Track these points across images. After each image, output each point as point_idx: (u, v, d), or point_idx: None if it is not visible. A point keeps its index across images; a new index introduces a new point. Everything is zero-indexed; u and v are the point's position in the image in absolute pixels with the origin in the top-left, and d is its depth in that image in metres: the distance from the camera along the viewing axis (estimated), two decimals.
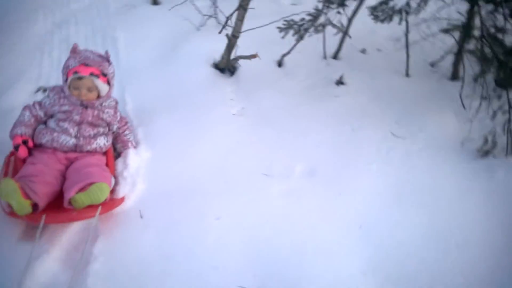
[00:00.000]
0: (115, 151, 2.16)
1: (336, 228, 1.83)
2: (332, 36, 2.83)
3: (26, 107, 2.02)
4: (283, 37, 2.47)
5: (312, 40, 2.64)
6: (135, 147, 2.15)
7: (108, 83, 2.04)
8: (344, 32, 2.80)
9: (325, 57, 2.96)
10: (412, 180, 2.08)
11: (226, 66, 2.75)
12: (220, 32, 2.69)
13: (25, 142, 1.89)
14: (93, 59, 1.98)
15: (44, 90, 2.40)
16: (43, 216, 1.64)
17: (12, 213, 1.63)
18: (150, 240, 1.74)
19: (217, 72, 2.78)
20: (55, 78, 2.62)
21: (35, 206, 1.65)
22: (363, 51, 3.11)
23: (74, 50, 2.00)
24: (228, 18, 2.67)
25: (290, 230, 1.81)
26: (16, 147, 1.88)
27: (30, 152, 1.91)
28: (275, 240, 1.76)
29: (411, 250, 1.76)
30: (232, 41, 2.59)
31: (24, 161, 1.88)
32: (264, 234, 1.79)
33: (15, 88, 2.60)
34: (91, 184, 1.67)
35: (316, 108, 2.51)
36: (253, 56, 2.49)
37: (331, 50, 2.95)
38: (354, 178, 2.09)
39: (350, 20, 2.77)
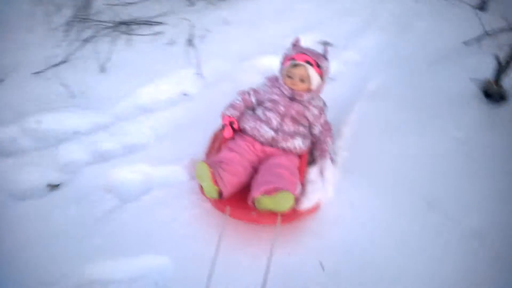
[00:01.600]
0: (311, 157, 2.11)
1: None
2: None
3: (241, 92, 2.15)
4: None
5: None
6: (332, 160, 2.07)
7: (321, 77, 2.02)
8: None
9: None
10: None
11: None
12: None
13: (231, 124, 2.02)
14: (311, 51, 2.03)
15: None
16: (228, 208, 1.74)
17: (203, 192, 1.76)
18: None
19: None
20: None
21: (221, 193, 1.72)
22: None
23: (296, 43, 2.09)
24: None
25: None
26: (223, 127, 2.04)
27: (234, 133, 2.04)
28: None
29: None
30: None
31: (227, 140, 2.03)
32: None
33: None
34: (277, 190, 1.66)
35: None
36: None
37: None
38: None
39: None
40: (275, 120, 1.98)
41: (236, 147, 1.93)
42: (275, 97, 2.03)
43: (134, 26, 3.35)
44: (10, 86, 2.67)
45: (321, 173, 1.97)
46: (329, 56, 2.10)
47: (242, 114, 2.09)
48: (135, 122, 2.49)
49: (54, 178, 2.15)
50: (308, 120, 2.04)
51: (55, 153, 2.28)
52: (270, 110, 2.01)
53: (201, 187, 1.76)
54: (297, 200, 1.80)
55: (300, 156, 2.02)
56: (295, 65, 1.99)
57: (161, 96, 2.76)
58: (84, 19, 3.29)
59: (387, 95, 2.61)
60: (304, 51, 2.01)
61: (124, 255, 1.72)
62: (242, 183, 1.84)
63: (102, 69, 2.87)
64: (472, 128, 2.30)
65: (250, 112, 2.09)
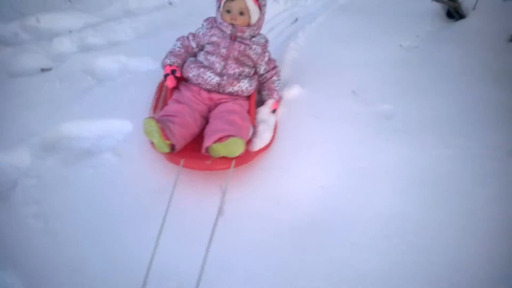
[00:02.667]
0: (259, 95, 2.10)
1: None
2: None
3: (179, 38, 2.06)
4: None
5: None
6: (278, 101, 2.06)
7: (260, 10, 1.96)
8: None
9: None
10: None
11: None
12: None
13: (173, 72, 1.94)
14: None
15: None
16: (182, 160, 1.70)
17: (155, 148, 1.73)
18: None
19: None
20: None
21: (173, 146, 1.71)
22: None
23: None
24: None
25: None
26: (165, 76, 1.95)
27: (178, 82, 1.98)
28: None
29: None
30: None
31: (172, 90, 1.98)
32: None
33: None
34: (229, 136, 1.65)
35: None
36: None
37: None
38: None
39: None
40: (218, 64, 1.92)
41: (183, 98, 1.89)
42: (215, 38, 1.95)
43: None
44: None
45: (271, 111, 2.00)
46: None
47: (183, 61, 2.02)
48: (121, 23, 2.80)
49: (46, 64, 2.51)
50: (252, 59, 1.99)
51: (49, 45, 2.63)
52: (211, 54, 1.95)
53: (152, 143, 1.72)
54: (250, 142, 1.83)
55: (248, 97, 2.00)
56: None
57: (148, 4, 3.03)
58: None
59: (353, 9, 2.78)
60: None
61: (95, 118, 2.09)
62: (193, 134, 1.83)
63: None
64: (422, 39, 2.47)
65: (192, 59, 2.02)
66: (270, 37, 2.54)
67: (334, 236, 1.55)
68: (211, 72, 1.91)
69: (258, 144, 1.84)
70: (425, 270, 1.42)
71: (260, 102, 2.08)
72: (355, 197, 1.68)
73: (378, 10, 2.75)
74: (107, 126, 2.07)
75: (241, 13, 1.92)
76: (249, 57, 1.97)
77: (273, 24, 2.71)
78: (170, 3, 3.06)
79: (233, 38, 1.95)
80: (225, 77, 1.91)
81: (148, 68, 2.42)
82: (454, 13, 2.61)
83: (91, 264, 1.51)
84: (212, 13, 2.06)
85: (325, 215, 1.63)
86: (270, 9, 2.79)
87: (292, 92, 2.14)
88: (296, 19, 2.71)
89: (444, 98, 2.07)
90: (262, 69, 2.04)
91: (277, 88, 2.05)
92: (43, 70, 2.48)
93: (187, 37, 2.05)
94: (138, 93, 2.21)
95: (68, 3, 2.95)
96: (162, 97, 2.04)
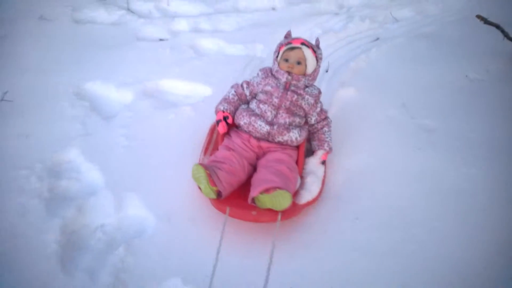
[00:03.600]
0: (308, 143, 2.08)
1: None
2: None
3: (234, 85, 2.10)
4: None
5: None
6: (328, 152, 2.01)
7: (317, 61, 2.01)
8: None
9: None
10: None
11: None
12: None
13: (225, 118, 1.98)
14: (304, 38, 2.03)
15: None
16: (228, 208, 1.69)
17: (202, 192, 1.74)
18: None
19: None
20: None
21: (219, 192, 1.72)
22: None
23: (288, 35, 2.08)
24: None
25: None
26: (218, 122, 1.99)
27: (229, 129, 2.01)
28: None
29: None
30: None
31: (224, 136, 2.00)
32: None
33: None
34: (276, 188, 1.63)
35: None
36: None
37: None
38: None
39: None
40: (269, 113, 1.93)
41: (232, 145, 1.90)
42: (269, 88, 1.97)
43: None
44: None
45: (320, 163, 1.96)
46: None
47: (236, 108, 2.04)
48: (228, 17, 3.43)
49: (164, 36, 3.18)
50: (303, 109, 1.98)
51: (171, 23, 3.32)
52: (264, 102, 1.96)
53: (200, 189, 1.73)
54: (297, 193, 1.80)
55: (298, 147, 1.98)
56: (292, 48, 1.97)
57: (254, 5, 3.58)
58: None
59: (433, 37, 2.96)
60: (299, 37, 2.03)
61: (187, 81, 2.64)
62: (240, 181, 1.82)
63: None
64: (491, 75, 2.56)
65: (244, 106, 2.03)
66: (346, 49, 2.89)
67: None
68: (262, 121, 1.91)
69: (306, 197, 1.80)
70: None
71: (310, 152, 2.05)
72: None
73: (456, 41, 2.87)
74: (193, 88, 2.59)
75: (299, 63, 1.96)
76: (301, 107, 1.97)
77: (354, 39, 3.02)
78: (273, 9, 3.54)
79: (287, 86, 1.96)
80: (275, 126, 1.90)
81: (238, 54, 2.92)
82: None
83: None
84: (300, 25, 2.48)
85: None
86: (355, 27, 3.14)
87: (347, 92, 2.43)
88: (377, 39, 2.98)
89: (491, 127, 2.17)
90: (313, 119, 2.03)
91: (327, 139, 2.02)
92: (161, 40, 3.13)
93: (241, 85, 2.08)
94: (225, 70, 2.71)
95: None
96: (213, 141, 2.08)
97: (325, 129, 2.04)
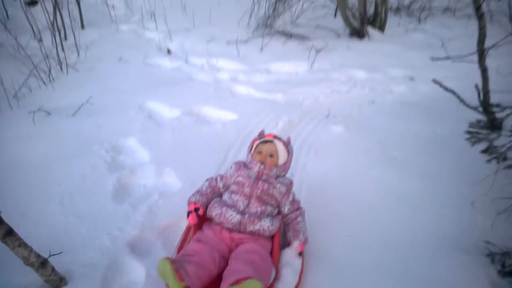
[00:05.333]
0: (285, 238, 2.04)
1: None
2: None
3: (208, 179, 2.17)
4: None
5: None
6: (304, 242, 1.96)
7: (288, 154, 2.13)
8: None
9: None
10: None
11: None
12: None
13: (196, 210, 1.97)
14: (276, 133, 2.19)
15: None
16: None
17: None
18: None
19: None
20: None
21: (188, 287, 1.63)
22: None
23: (261, 133, 2.20)
24: None
25: None
26: (188, 214, 1.97)
27: (202, 221, 2.01)
28: None
29: None
30: None
31: (196, 230, 1.97)
32: None
33: None
34: (246, 278, 1.57)
35: None
36: None
37: None
38: None
39: None
40: (241, 203, 1.96)
41: (204, 237, 1.88)
42: (240, 178, 2.04)
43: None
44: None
45: (297, 254, 1.90)
46: None
47: (209, 200, 2.07)
48: (262, 75, 4.34)
49: (210, 81, 4.15)
50: (275, 198, 2.02)
51: (216, 74, 4.31)
52: (236, 193, 2.00)
53: (167, 286, 1.61)
54: (272, 287, 1.76)
55: (272, 238, 1.96)
56: (265, 142, 2.13)
57: (282, 70, 4.56)
58: (267, 26, 5.40)
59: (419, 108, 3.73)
60: (271, 133, 2.20)
61: (221, 109, 3.48)
62: (211, 275, 1.74)
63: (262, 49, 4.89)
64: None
65: (217, 199, 2.06)
66: (345, 104, 3.70)
67: None
68: (233, 210, 1.93)
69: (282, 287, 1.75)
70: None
71: (286, 245, 2.00)
72: None
73: (436, 108, 3.59)
74: (224, 114, 3.44)
75: (271, 155, 2.10)
76: (272, 196, 2.01)
77: (353, 99, 3.84)
78: (296, 74, 4.50)
79: (259, 176, 2.04)
80: (246, 215, 1.91)
81: (263, 98, 3.80)
82: None
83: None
84: None
85: None
86: (356, 91, 3.99)
87: (338, 129, 3.18)
88: (373, 102, 3.79)
89: (440, 161, 2.81)
90: (286, 209, 2.05)
91: (302, 229, 2.01)
92: (208, 83, 4.11)
93: (216, 178, 2.16)
94: (250, 105, 3.57)
95: (243, 58, 4.71)
96: (188, 239, 1.99)
97: (299, 218, 2.04)
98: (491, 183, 2.29)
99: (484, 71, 2.75)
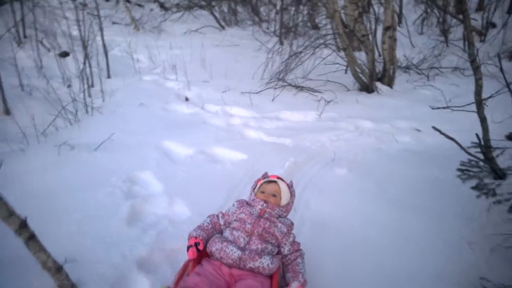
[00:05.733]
0: (283, 280, 2.03)
1: None
2: None
3: (210, 215, 2.21)
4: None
5: None
6: (303, 284, 1.93)
7: (291, 195, 2.22)
8: None
9: None
10: None
11: None
12: None
13: (196, 244, 1.97)
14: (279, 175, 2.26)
15: None
16: None
17: None
18: None
19: None
20: None
21: None
22: None
23: (265, 175, 2.29)
24: None
25: None
26: (188, 248, 1.97)
27: (201, 256, 2.03)
28: None
29: None
30: None
31: (195, 264, 1.98)
32: None
33: None
34: None
35: None
36: None
37: None
38: None
39: None
40: (242, 239, 1.97)
41: (203, 272, 1.88)
42: (243, 215, 2.07)
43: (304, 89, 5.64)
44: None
45: None
46: None
47: (209, 236, 2.08)
48: (271, 122, 4.60)
49: (223, 125, 4.41)
50: (276, 237, 2.03)
51: (229, 120, 4.58)
52: (237, 229, 2.02)
53: None
54: None
55: (271, 277, 1.95)
56: (269, 182, 2.22)
57: (293, 118, 4.82)
58: (280, 79, 5.76)
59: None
60: (275, 174, 2.29)
61: (232, 150, 3.69)
62: None
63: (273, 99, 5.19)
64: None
65: (218, 235, 2.08)
66: (351, 151, 3.87)
67: None
68: (234, 246, 1.93)
69: None
70: None
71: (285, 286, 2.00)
72: None
73: (437, 155, 3.75)
74: (235, 154, 3.63)
75: (274, 195, 2.17)
76: (273, 234, 2.03)
77: (359, 145, 4.02)
78: (305, 121, 4.74)
79: (262, 214, 2.09)
80: (247, 252, 1.91)
81: (272, 142, 4.02)
82: None
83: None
84: None
85: None
86: (363, 139, 4.17)
87: (341, 171, 3.34)
88: (378, 150, 3.96)
89: (431, 202, 2.90)
90: (286, 250, 2.05)
91: (301, 270, 1.99)
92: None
93: (217, 215, 2.20)
94: (259, 148, 3.77)
95: (255, 107, 5.00)
96: (186, 273, 1.98)
97: (299, 260, 2.03)
98: (484, 220, 2.38)
99: (482, 120, 2.93)
